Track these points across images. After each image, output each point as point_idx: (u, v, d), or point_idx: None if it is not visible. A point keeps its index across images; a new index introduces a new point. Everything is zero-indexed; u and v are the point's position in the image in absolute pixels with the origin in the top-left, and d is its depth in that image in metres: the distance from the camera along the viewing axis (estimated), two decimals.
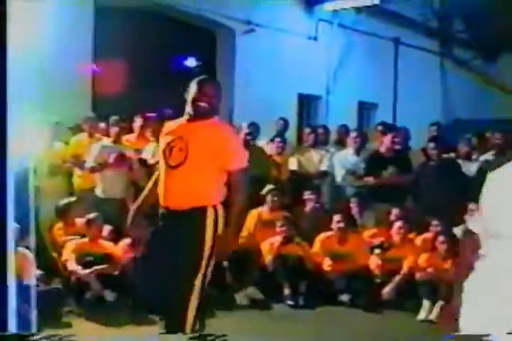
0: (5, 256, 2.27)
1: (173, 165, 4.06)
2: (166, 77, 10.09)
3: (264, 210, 7.45)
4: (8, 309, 2.26)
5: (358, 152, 8.23)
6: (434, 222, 6.94)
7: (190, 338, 2.27)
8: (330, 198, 8.37)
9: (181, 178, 4.04)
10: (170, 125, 4.30)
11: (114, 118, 7.88)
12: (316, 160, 8.41)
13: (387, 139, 7.88)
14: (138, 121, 8.10)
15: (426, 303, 6.33)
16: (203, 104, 4.06)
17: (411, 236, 7.11)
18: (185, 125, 4.14)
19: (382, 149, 7.91)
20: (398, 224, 6.94)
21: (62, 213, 6.96)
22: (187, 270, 3.96)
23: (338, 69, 12.53)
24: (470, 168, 7.84)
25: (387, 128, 8.56)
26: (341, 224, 6.98)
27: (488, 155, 8.21)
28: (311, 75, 11.98)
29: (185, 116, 4.16)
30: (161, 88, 9.40)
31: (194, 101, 4.07)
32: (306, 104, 12.54)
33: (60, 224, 6.92)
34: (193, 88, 4.11)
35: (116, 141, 7.55)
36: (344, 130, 9.02)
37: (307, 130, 8.80)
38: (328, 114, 12.26)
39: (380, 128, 8.65)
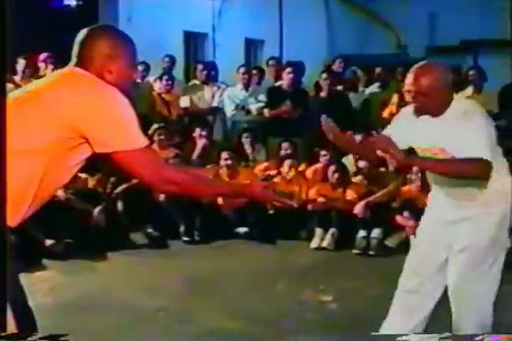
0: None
1: None
2: (44, 17, 9.64)
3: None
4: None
5: (246, 87, 8.27)
6: (323, 153, 7.07)
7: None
8: (222, 135, 8.39)
9: None
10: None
11: None
12: (208, 96, 8.38)
13: (286, 73, 7.96)
14: (21, 63, 7.75)
15: (318, 232, 6.54)
16: None
17: (301, 168, 7.25)
18: None
19: (284, 84, 7.99)
20: (288, 161, 7.05)
21: None
22: None
23: (223, 6, 12.38)
24: (357, 100, 8.04)
25: (279, 62, 8.63)
26: (229, 161, 7.04)
27: (374, 88, 8.44)
28: (197, 12, 11.78)
29: None
30: (38, 28, 8.99)
31: None
32: (193, 41, 12.37)
33: None
34: None
35: None
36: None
37: (200, 66, 8.71)
38: (216, 52, 12.15)
39: (271, 62, 8.72)
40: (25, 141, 2.27)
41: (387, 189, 6.65)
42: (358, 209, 6.48)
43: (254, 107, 8.15)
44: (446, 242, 3.33)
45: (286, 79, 7.93)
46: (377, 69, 8.38)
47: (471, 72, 7.94)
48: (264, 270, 5.76)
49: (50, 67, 7.57)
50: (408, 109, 3.33)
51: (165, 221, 6.82)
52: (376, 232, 6.38)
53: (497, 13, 13.08)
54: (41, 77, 7.78)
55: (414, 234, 6.09)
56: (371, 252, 6.27)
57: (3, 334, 2.15)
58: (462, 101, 3.28)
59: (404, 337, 2.66)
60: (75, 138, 2.31)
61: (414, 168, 6.49)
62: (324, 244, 6.44)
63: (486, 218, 3.26)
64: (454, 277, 3.30)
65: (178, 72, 10.05)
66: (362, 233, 6.38)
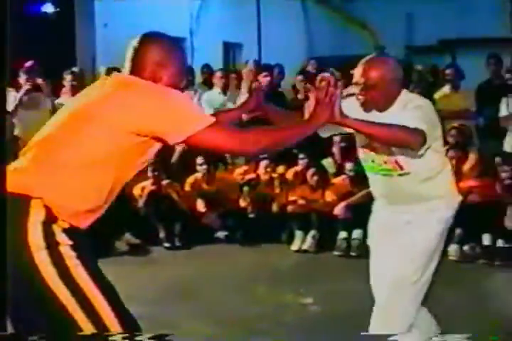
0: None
1: None
2: (21, 24, 9.58)
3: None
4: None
5: (224, 91, 8.23)
6: (301, 156, 7.06)
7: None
8: None
9: None
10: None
11: None
12: None
13: (262, 76, 7.95)
14: None
15: (299, 234, 6.53)
16: None
17: (281, 170, 7.23)
18: None
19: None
20: (264, 163, 7.04)
21: None
22: None
23: (201, 10, 12.38)
24: None
25: (258, 65, 8.61)
26: (204, 166, 7.01)
27: (351, 89, 8.43)
28: (173, 17, 11.77)
29: None
30: (15, 36, 8.92)
31: None
32: None
33: None
34: None
35: None
36: (208, 70, 9.00)
37: None
38: (194, 56, 12.13)
39: (250, 66, 8.71)
40: (92, 153, 2.35)
41: (367, 189, 6.62)
42: (339, 210, 6.45)
43: None
44: (392, 247, 3.23)
45: (262, 83, 7.90)
46: (352, 71, 8.39)
47: (447, 71, 7.94)
48: (246, 273, 5.75)
49: (24, 76, 7.47)
50: (353, 100, 3.17)
51: (145, 227, 6.79)
52: (357, 233, 6.36)
53: (475, 12, 13.14)
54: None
55: None
56: (352, 253, 6.26)
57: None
58: (408, 95, 3.15)
59: (393, 337, 2.64)
60: (145, 142, 2.39)
61: None
62: (305, 246, 6.43)
63: (427, 223, 3.17)
64: (385, 281, 3.21)
65: None
66: (343, 234, 6.37)
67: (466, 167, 6.52)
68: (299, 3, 14.64)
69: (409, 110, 2.99)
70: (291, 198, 6.76)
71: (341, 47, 13.17)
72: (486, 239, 6.12)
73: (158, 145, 2.45)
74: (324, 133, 3.25)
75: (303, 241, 6.48)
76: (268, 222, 6.70)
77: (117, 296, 2.42)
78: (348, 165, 6.69)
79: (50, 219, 2.28)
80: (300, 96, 7.99)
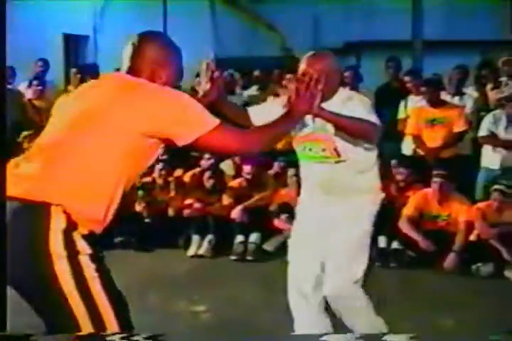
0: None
1: None
2: None
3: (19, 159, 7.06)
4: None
5: None
6: (208, 156, 6.93)
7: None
8: None
9: None
10: None
11: None
12: None
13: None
14: None
15: (195, 239, 6.42)
16: None
17: (178, 173, 7.10)
18: None
19: None
20: (159, 166, 6.90)
21: None
22: None
23: (105, 7, 12.14)
24: (235, 102, 7.97)
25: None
26: None
27: (252, 91, 8.42)
28: (76, 14, 11.49)
29: None
30: None
31: None
32: (73, 44, 12.04)
33: None
34: None
35: None
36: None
37: (74, 70, 8.43)
38: (98, 54, 11.87)
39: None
40: (106, 158, 2.36)
41: (264, 193, 6.60)
42: (235, 213, 6.40)
43: None
44: (321, 242, 3.41)
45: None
46: (255, 72, 8.38)
47: (346, 74, 7.97)
48: (140, 280, 5.58)
49: None
50: (283, 98, 3.36)
51: None
52: (254, 237, 6.32)
53: (380, 15, 13.34)
54: None
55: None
56: (249, 257, 6.19)
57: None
58: (347, 91, 3.43)
59: (324, 337, 2.63)
60: (155, 143, 2.43)
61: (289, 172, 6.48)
62: (201, 251, 6.31)
63: (360, 218, 3.38)
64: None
65: (59, 76, 9.75)
66: (239, 238, 6.29)
67: None
68: (206, 2, 14.53)
69: (357, 105, 3.22)
70: (188, 202, 6.65)
71: (248, 48, 13.15)
72: (382, 241, 6.17)
73: (162, 146, 2.49)
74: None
75: (199, 245, 6.36)
76: (164, 227, 6.56)
77: (125, 305, 2.47)
78: (246, 168, 6.64)
79: (70, 226, 2.30)
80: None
